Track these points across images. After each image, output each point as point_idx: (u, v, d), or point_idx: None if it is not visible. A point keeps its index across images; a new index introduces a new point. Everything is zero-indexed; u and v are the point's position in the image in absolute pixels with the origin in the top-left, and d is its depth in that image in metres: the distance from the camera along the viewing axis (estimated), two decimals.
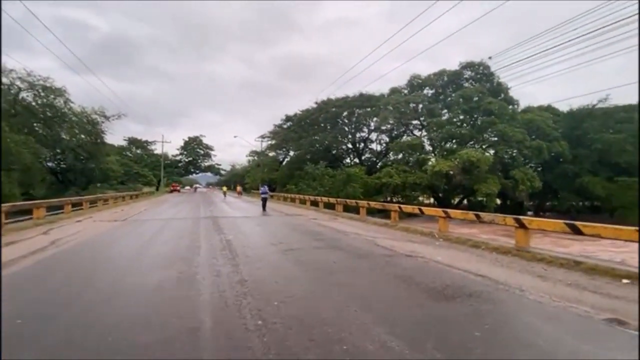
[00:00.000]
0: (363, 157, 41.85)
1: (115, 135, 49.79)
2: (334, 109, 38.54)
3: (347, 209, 14.73)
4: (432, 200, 34.86)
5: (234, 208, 18.65)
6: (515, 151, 27.51)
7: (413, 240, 7.79)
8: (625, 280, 4.35)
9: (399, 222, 10.26)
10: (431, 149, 31.88)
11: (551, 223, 5.69)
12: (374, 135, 39.29)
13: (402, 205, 10.16)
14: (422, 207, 9.12)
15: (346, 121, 39.95)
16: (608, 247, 10.91)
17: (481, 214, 7.19)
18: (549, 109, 31.99)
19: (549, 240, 11.97)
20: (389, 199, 30.55)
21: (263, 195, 17.13)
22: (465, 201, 32.51)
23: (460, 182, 26.07)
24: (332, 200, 15.78)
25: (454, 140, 29.80)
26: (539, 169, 29.61)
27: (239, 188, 42.51)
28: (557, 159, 28.19)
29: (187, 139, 65.20)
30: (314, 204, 18.41)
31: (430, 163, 27.23)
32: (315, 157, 37.36)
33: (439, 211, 8.42)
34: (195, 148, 65.11)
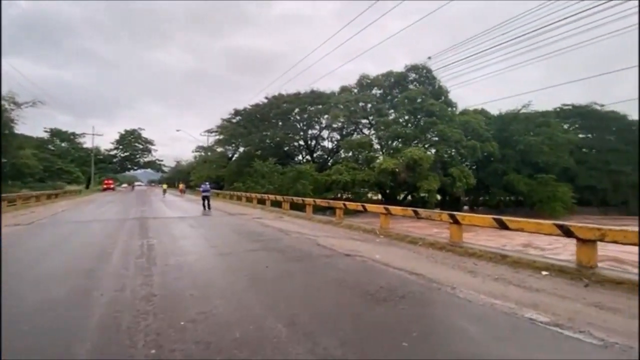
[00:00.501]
0: (315, 155, 41.82)
1: (34, 127, 43.21)
2: (285, 105, 37.84)
3: (294, 206, 14.33)
4: (380, 196, 36.10)
5: (171, 207, 17.14)
6: (453, 150, 29.55)
7: (355, 237, 7.66)
8: (544, 272, 4.57)
9: (343, 219, 10.13)
10: (379, 147, 32.91)
11: (481, 219, 5.91)
12: (325, 133, 39.41)
13: (346, 203, 10.07)
14: (365, 204, 9.09)
15: (298, 118, 39.51)
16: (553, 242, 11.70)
17: (419, 210, 7.30)
18: (482, 112, 34.90)
19: (495, 235, 12.64)
20: (339, 195, 30.91)
21: (204, 194, 15.96)
22: (409, 197, 34.17)
23: (405, 179, 27.26)
24: (279, 198, 15.25)
25: (399, 140, 31.07)
26: (474, 167, 32.20)
27: (181, 186, 39.78)
28: (488, 158, 30.88)
29: (123, 132, 59.19)
30: (261, 202, 17.71)
31: (378, 161, 28.05)
32: (265, 153, 36.37)
33: (380, 208, 8.43)
34: (132, 142, 59.34)
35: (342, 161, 31.30)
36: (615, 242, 4.20)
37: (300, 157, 42.27)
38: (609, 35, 15.33)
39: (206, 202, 15.73)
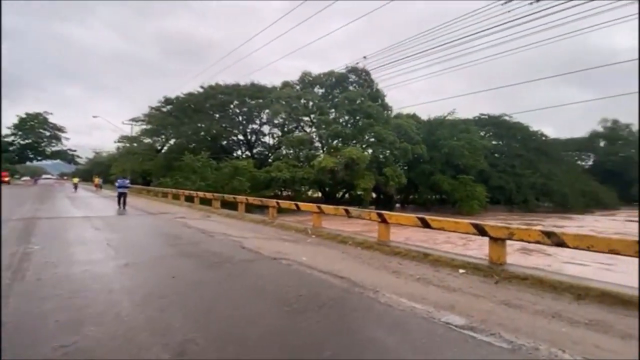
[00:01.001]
0: (255, 150, 40.41)
1: None
2: (222, 96, 35.74)
3: (226, 205, 13.38)
4: (320, 194, 36.42)
5: (78, 206, 14.72)
6: (388, 151, 31.09)
7: (285, 238, 7.25)
8: (461, 270, 4.73)
9: (277, 218, 9.66)
10: (320, 145, 33.09)
11: (406, 218, 6.00)
12: (266, 128, 38.30)
13: (279, 201, 9.63)
14: (299, 203, 8.77)
15: (237, 111, 37.67)
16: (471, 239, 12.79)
17: (350, 209, 7.21)
18: (413, 116, 37.42)
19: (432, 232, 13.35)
20: (278, 193, 30.29)
21: (120, 190, 14.00)
22: (347, 195, 35.10)
23: (343, 178, 27.83)
24: (208, 195, 14.10)
25: (339, 139, 31.63)
26: (405, 167, 34.32)
27: (97, 180, 35.05)
28: (418, 159, 33.14)
29: (24, 116, 49.86)
30: (189, 199, 16.25)
31: (318, 159, 28.13)
32: (200, 146, 33.90)
33: (312, 206, 8.17)
34: (36, 127, 50.40)
35: (283, 158, 30.72)
36: (522, 240, 4.50)
37: (239, 153, 40.46)
38: (517, 50, 17.29)
39: (122, 199, 13.82)
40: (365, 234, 7.88)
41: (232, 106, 37.19)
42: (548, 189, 35.86)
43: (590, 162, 52.99)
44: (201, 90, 36.78)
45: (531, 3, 9.24)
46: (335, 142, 32.43)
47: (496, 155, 39.24)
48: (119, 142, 45.57)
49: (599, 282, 3.92)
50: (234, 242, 6.63)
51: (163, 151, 39.93)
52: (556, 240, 4.16)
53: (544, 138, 41.38)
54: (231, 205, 13.10)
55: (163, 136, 39.88)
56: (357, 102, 31.69)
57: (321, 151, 31.97)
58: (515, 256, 9.07)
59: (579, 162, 51.48)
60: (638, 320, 3.03)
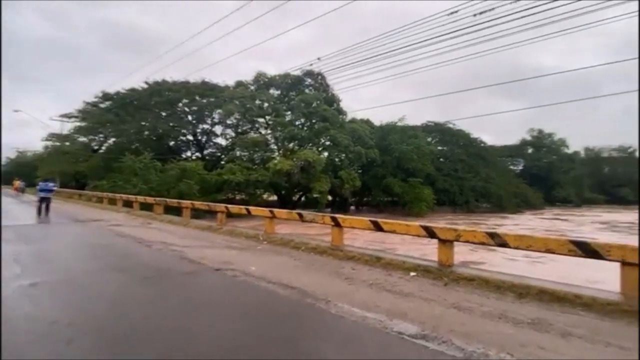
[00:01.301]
0: (207, 152, 38.43)
1: None
2: (169, 93, 33.50)
3: (169, 210, 12.31)
4: (275, 197, 35.72)
5: None
6: (343, 155, 31.56)
7: (234, 246, 6.75)
8: (412, 273, 4.71)
9: (225, 224, 9.05)
10: (276, 148, 32.51)
11: (359, 221, 5.91)
12: (219, 129, 36.65)
13: (228, 206, 9.03)
14: (250, 207, 8.29)
15: (186, 109, 35.54)
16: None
17: (303, 213, 6.96)
18: (367, 122, 38.56)
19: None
20: (231, 197, 29.08)
21: (42, 194, 12.16)
22: (303, 198, 34.92)
23: (299, 181, 27.58)
24: (149, 200, 12.87)
25: (295, 141, 31.39)
26: (359, 171, 35.14)
27: (17, 183, 30.64)
28: (371, 163, 34.11)
29: None
30: (128, 204, 14.74)
31: (274, 162, 27.50)
32: (144, 147, 31.32)
33: (264, 211, 7.77)
34: None
35: (237, 160, 29.57)
36: (468, 241, 4.60)
37: (188, 154, 38.17)
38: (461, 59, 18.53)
39: (44, 205, 12.02)
40: (320, 237, 7.68)
41: (180, 104, 35.03)
42: (486, 191, 39.20)
43: (520, 167, 59.12)
44: (146, 86, 34.12)
45: (474, 15, 9.90)
46: (291, 144, 32.10)
47: (441, 159, 41.97)
48: (48, 140, 40.15)
49: (537, 281, 4.13)
50: (173, 252, 5.98)
51: (101, 151, 36.17)
52: (499, 241, 4.31)
53: (482, 144, 45.24)
54: (176, 211, 12.08)
55: (101, 135, 36.15)
56: (313, 105, 31.72)
57: (277, 153, 31.38)
58: (464, 250, 9.48)
59: (511, 167, 57.20)
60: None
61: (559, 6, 9.90)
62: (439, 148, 42.76)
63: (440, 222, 24.52)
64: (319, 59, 11.71)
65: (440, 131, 43.50)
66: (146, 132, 33.30)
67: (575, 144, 60.40)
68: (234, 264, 5.15)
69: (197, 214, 15.67)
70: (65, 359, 2.32)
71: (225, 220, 9.18)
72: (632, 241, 3.81)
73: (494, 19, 10.38)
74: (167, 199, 11.98)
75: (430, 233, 4.91)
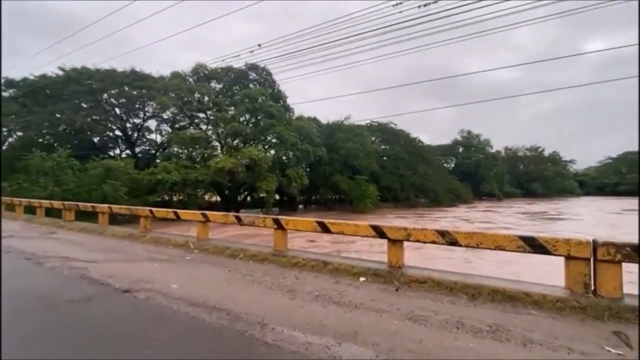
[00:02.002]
0: (139, 149, 34.69)
1: None
2: (91, 82, 29.31)
3: (85, 215, 10.40)
4: (218, 198, 33.66)
5: None
6: (290, 153, 30.86)
7: (157, 257, 5.67)
8: (362, 279, 4.27)
9: (150, 230, 7.77)
10: (219, 145, 30.55)
11: (305, 222, 5.32)
12: (154, 124, 33.24)
13: (153, 209, 7.75)
14: (179, 211, 7.17)
15: (113, 101, 31.51)
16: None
17: (242, 215, 6.15)
18: (314, 120, 38.40)
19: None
20: (166, 198, 26.54)
21: None
22: (249, 198, 33.46)
23: (244, 180, 26.21)
24: (56, 204, 10.72)
25: (240, 138, 29.83)
26: (307, 169, 34.82)
27: None
28: (319, 161, 34.04)
29: None
30: (31, 210, 12.22)
31: (215, 159, 25.64)
32: (59, 142, 27.06)
33: (196, 214, 6.75)
34: None
35: (174, 158, 27.01)
36: (418, 240, 4.31)
37: (117, 151, 34.05)
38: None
39: None
40: (265, 242, 6.95)
41: (106, 95, 30.96)
42: (424, 187, 41.81)
43: (452, 165, 64.47)
44: (61, 72, 29.43)
45: (419, 7, 9.98)
46: (235, 141, 30.41)
47: (384, 158, 43.68)
48: None
49: (487, 279, 3.97)
50: (72, 271, 4.74)
51: (4, 148, 30.26)
52: (450, 239, 4.08)
53: (420, 144, 48.18)
54: (94, 217, 10.22)
55: (4, 128, 30.21)
56: (259, 100, 30.46)
57: (220, 151, 29.45)
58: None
59: (445, 165, 62.09)
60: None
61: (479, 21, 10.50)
62: (382, 147, 44.46)
63: (390, 217, 25.44)
64: (259, 45, 10.86)
65: (382, 131, 45.24)
66: (63, 126, 28.74)
67: (497, 144, 67.88)
68: (151, 281, 4.18)
69: (122, 219, 13.68)
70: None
71: (151, 226, 7.89)
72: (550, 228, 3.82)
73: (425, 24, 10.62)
74: (80, 203, 10.05)
75: (380, 233, 4.53)
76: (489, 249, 3.88)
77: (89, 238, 7.61)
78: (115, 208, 8.65)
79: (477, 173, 58.91)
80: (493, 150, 66.86)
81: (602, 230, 17.63)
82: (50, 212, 11.42)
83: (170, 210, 7.30)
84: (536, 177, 70.95)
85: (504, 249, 3.78)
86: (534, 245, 3.61)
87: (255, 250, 5.60)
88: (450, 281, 3.89)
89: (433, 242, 4.20)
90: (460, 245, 4.04)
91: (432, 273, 4.21)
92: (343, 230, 4.88)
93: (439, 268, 4.78)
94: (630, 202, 42.88)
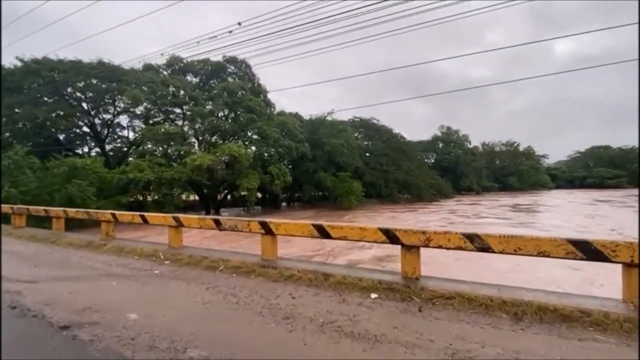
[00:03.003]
0: (110, 146, 32.46)
1: None
2: (54, 74, 26.89)
3: (39, 221, 9.06)
4: (196, 197, 32.10)
5: None
6: (272, 149, 29.71)
7: (117, 272, 4.64)
8: (373, 295, 3.48)
9: (114, 236, 6.66)
10: (196, 141, 28.99)
11: (299, 226, 4.45)
12: (125, 120, 31.12)
13: (117, 213, 6.63)
14: (146, 214, 6.12)
15: (80, 95, 29.18)
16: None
17: (222, 219, 5.21)
18: (296, 115, 37.36)
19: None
20: (140, 198, 24.88)
21: None
22: (229, 196, 32.11)
23: (224, 178, 24.91)
24: (4, 208, 9.27)
25: (218, 134, 28.43)
26: (290, 166, 33.81)
27: None
28: (302, 157, 33.10)
29: None
30: None
31: (192, 156, 24.15)
32: (18, 139, 24.69)
33: (167, 218, 5.73)
34: None
35: (148, 155, 25.26)
36: (440, 246, 3.57)
37: (85, 149, 31.70)
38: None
39: None
40: (249, 248, 6.04)
41: (70, 89, 28.61)
42: (407, 183, 41.79)
43: (432, 160, 65.20)
44: (19, 63, 26.82)
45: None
46: (213, 137, 28.93)
47: (367, 154, 43.30)
48: None
49: (526, 292, 3.28)
50: (3, 296, 3.66)
51: None
52: (480, 245, 3.36)
53: (403, 139, 48.16)
54: (49, 222, 8.89)
55: None
56: (238, 94, 29.06)
57: (197, 148, 27.90)
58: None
59: (425, 160, 62.70)
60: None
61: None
62: (365, 143, 44.05)
63: (383, 213, 25.01)
64: (239, 24, 9.84)
65: (365, 126, 44.84)
66: (22, 122, 26.27)
67: (473, 141, 69.46)
68: (104, 309, 3.20)
69: (86, 223, 12.28)
70: None
71: (115, 231, 6.76)
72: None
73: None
74: (30, 207, 8.68)
75: (392, 237, 3.77)
76: (530, 255, 3.19)
77: (37, 248, 6.40)
78: (71, 212, 7.42)
79: (457, 168, 59.87)
80: (471, 146, 68.20)
81: (581, 220, 18.64)
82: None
83: (136, 213, 6.23)
84: (512, 171, 73.15)
85: (548, 256, 3.10)
86: (588, 251, 2.95)
87: (239, 260, 4.69)
88: (484, 296, 3.18)
89: (459, 249, 3.47)
90: (494, 252, 3.33)
91: (458, 285, 3.48)
92: (346, 234, 4.07)
93: (453, 276, 4.06)
94: (600, 194, 45.04)
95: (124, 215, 6.44)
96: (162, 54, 11.86)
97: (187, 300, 3.47)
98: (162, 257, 5.23)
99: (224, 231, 5.19)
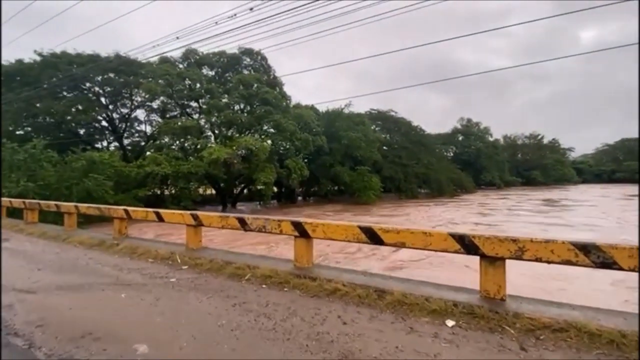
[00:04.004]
0: (129, 140, 32.63)
1: None
2: (73, 67, 26.94)
3: (52, 216, 8.66)
4: (213, 191, 31.89)
5: None
6: (289, 142, 29.00)
7: (128, 279, 3.99)
8: (450, 322, 2.66)
9: (127, 234, 6.08)
10: (212, 135, 28.65)
11: (342, 229, 3.64)
12: (142, 114, 31.14)
13: (130, 209, 6.00)
14: (162, 211, 5.46)
15: (98, 90, 29.28)
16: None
17: (248, 218, 4.45)
18: (312, 108, 36.46)
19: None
20: (157, 192, 24.78)
21: None
22: (246, 190, 31.75)
23: (240, 171, 24.42)
24: (15, 202, 8.91)
25: (234, 127, 27.94)
26: (305, 160, 33.04)
27: None
28: (318, 151, 32.27)
29: None
30: None
31: (209, 150, 23.74)
32: (37, 133, 24.97)
33: (185, 216, 5.04)
34: None
35: (164, 149, 25.08)
36: (540, 259, 2.69)
37: (104, 143, 31.96)
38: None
39: None
40: (276, 248, 5.30)
41: (88, 84, 28.72)
42: (427, 177, 40.35)
43: (451, 154, 63.09)
44: (38, 58, 26.99)
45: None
46: (229, 131, 28.44)
47: (385, 147, 42.02)
48: None
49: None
50: None
51: None
52: (601, 258, 2.48)
53: (422, 132, 46.51)
54: (57, 217, 8.47)
55: None
56: (254, 87, 28.41)
57: (213, 141, 27.51)
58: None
59: (445, 154, 60.66)
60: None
61: None
62: (383, 136, 42.75)
63: (405, 208, 23.91)
64: (251, 9, 8.99)
65: (383, 119, 43.54)
66: (42, 116, 26.53)
67: (494, 133, 66.68)
68: (106, 335, 2.52)
69: (102, 217, 11.95)
70: None
71: (129, 229, 6.18)
72: None
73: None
74: (42, 202, 8.25)
75: (468, 246, 2.92)
76: None
77: (46, 247, 5.88)
78: (83, 208, 6.90)
79: (478, 162, 57.67)
80: (492, 139, 65.60)
81: (618, 214, 17.62)
82: (14, 213, 9.64)
83: (151, 210, 5.58)
84: (535, 165, 70.12)
85: None
86: None
87: (269, 267, 3.94)
88: (611, 329, 2.30)
89: (567, 263, 2.59)
90: (620, 269, 2.44)
91: (565, 311, 2.61)
92: (404, 241, 3.24)
93: (536, 295, 3.17)
94: (631, 189, 42.25)
95: (138, 211, 5.81)
96: (177, 37, 11.28)
97: (210, 324, 2.75)
98: (179, 260, 4.56)
99: (250, 232, 4.45)
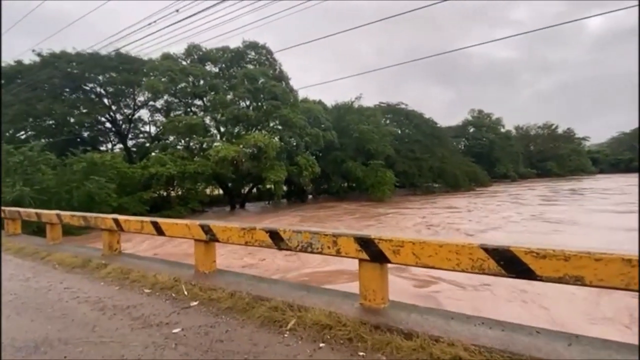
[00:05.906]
0: (133, 142, 31.71)
1: None
2: (74, 69, 25.86)
3: (36, 227, 7.42)
4: (220, 191, 30.73)
5: None
6: (298, 138, 27.62)
7: (111, 326, 2.66)
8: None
9: (119, 251, 4.77)
10: (218, 133, 27.46)
11: (447, 250, 2.22)
12: (146, 114, 30.14)
13: (121, 218, 4.61)
14: (161, 221, 4.06)
15: (101, 90, 28.27)
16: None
17: (283, 232, 2.91)
18: (320, 103, 35.03)
19: None
20: (163, 194, 23.67)
21: None
22: (255, 190, 30.55)
23: (249, 170, 23.13)
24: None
25: (241, 124, 26.66)
26: (314, 156, 31.60)
27: None
28: (328, 146, 30.81)
29: None
30: None
31: (215, 148, 22.49)
32: (37, 136, 24.01)
33: (193, 229, 3.62)
34: None
35: (169, 149, 23.97)
36: None
37: (109, 146, 31.08)
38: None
39: None
40: (323, 270, 3.92)
41: (90, 85, 27.72)
42: (442, 171, 38.62)
43: (462, 147, 61.04)
44: (38, 59, 25.97)
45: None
46: (236, 128, 27.15)
47: (396, 141, 40.31)
48: None
49: None
50: None
51: None
52: None
53: (435, 125, 44.66)
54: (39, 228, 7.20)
55: None
56: (260, 81, 27.04)
57: (219, 140, 26.25)
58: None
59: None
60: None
61: None
62: (394, 130, 41.09)
63: (433, 204, 22.10)
64: None
65: (393, 112, 41.91)
66: (43, 118, 25.60)
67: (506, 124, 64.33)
68: None
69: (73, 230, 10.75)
70: None
71: (119, 244, 4.86)
72: None
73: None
74: (21, 210, 6.99)
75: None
76: None
77: (17, 269, 4.58)
78: (66, 217, 5.58)
79: (490, 154, 55.60)
80: (504, 130, 63.36)
81: None
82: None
83: (147, 219, 4.21)
84: (550, 156, 67.66)
85: None
86: None
87: (323, 306, 2.55)
88: None
89: None
90: None
91: None
92: (583, 275, 1.83)
93: None
94: None
95: (131, 221, 4.43)
96: (177, 11, 10.05)
97: None
98: (185, 292, 3.20)
99: (285, 250, 3.07)
